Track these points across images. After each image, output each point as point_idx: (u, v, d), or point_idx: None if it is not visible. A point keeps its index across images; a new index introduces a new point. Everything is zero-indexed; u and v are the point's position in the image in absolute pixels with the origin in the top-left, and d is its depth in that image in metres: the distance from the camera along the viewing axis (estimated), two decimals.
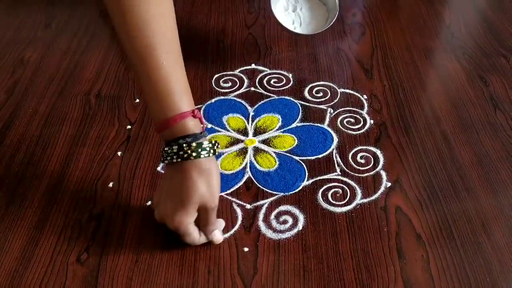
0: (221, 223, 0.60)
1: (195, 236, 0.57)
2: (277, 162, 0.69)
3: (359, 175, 0.67)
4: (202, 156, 0.53)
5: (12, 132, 0.75)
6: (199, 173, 0.54)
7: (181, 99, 0.54)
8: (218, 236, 0.59)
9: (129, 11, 0.52)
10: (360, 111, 0.77)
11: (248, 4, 1.03)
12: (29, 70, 0.87)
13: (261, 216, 0.62)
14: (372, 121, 0.75)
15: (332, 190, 0.65)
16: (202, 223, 0.57)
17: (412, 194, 0.64)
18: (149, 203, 0.64)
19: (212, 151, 0.55)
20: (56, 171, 0.68)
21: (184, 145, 0.53)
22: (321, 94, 0.80)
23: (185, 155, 0.53)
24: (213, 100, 0.79)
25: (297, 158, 0.69)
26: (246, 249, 0.58)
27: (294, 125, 0.75)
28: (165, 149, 0.55)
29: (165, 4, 0.55)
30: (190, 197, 0.53)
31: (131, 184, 0.66)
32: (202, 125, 0.56)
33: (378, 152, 0.70)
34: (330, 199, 0.64)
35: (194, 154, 0.53)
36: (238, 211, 0.63)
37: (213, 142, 0.55)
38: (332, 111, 0.77)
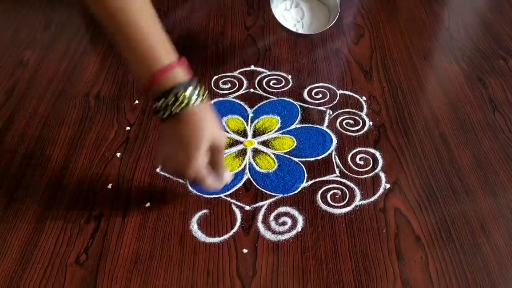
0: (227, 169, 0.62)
1: (212, 179, 0.58)
2: (276, 164, 0.69)
3: (358, 176, 0.67)
4: (199, 100, 0.54)
5: (11, 133, 0.74)
6: (202, 116, 0.54)
7: (164, 51, 0.54)
8: (228, 175, 0.61)
9: None
10: (359, 112, 0.77)
11: (248, 6, 1.03)
12: (28, 71, 0.87)
13: (260, 217, 0.62)
14: (371, 123, 0.75)
15: (331, 192, 0.65)
16: (214, 164, 0.57)
17: (411, 195, 0.64)
18: (148, 204, 0.64)
19: (204, 94, 0.55)
20: (55, 172, 0.68)
21: (179, 93, 0.53)
22: (320, 95, 0.80)
23: (182, 104, 0.53)
24: (212, 102, 0.79)
25: (296, 159, 0.70)
26: (245, 251, 0.58)
27: (293, 126, 0.75)
28: (159, 103, 0.54)
29: None
30: (201, 140, 0.54)
31: (130, 186, 0.66)
32: (189, 71, 0.56)
33: (377, 154, 0.70)
34: (329, 200, 0.64)
35: (192, 100, 0.53)
36: (237, 212, 0.63)
37: (201, 84, 0.56)
38: (331, 112, 0.77)
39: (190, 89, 0.54)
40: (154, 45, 0.54)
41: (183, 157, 0.55)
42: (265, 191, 0.65)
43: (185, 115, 0.54)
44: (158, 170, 0.68)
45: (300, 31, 0.89)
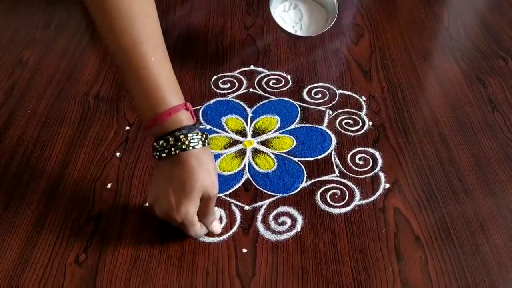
0: (218, 213, 0.61)
1: (199, 227, 0.57)
2: (276, 163, 0.69)
3: (358, 176, 0.67)
4: (199, 146, 0.54)
5: (11, 133, 0.74)
6: (199, 162, 0.54)
7: (172, 94, 0.55)
8: (217, 226, 0.59)
9: (113, 10, 0.53)
10: (359, 112, 0.77)
11: (247, 6, 1.03)
12: (27, 71, 0.87)
13: (259, 217, 0.62)
14: (370, 123, 0.75)
15: (331, 192, 0.65)
16: (202, 213, 0.57)
17: (411, 195, 0.64)
18: (147, 204, 0.64)
19: (206, 141, 0.55)
20: (55, 172, 0.68)
21: (181, 136, 0.53)
22: (319, 95, 0.80)
23: (183, 146, 0.53)
24: (211, 101, 0.79)
25: (295, 159, 0.70)
26: (244, 250, 0.58)
27: (292, 126, 0.75)
28: (160, 142, 0.54)
29: (148, 6, 0.56)
30: (194, 186, 0.53)
31: (130, 185, 0.66)
32: (193, 117, 0.57)
33: (377, 154, 0.70)
34: (329, 200, 0.64)
35: (191, 144, 0.54)
36: (237, 212, 0.63)
37: (204, 133, 0.56)
38: (330, 112, 0.77)
39: (192, 133, 0.54)
40: (162, 86, 0.54)
41: (174, 199, 0.54)
42: (265, 191, 0.65)
43: (183, 158, 0.54)
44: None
45: (299, 33, 0.89)
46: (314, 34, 0.88)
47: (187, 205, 0.54)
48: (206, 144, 0.55)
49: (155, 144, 0.55)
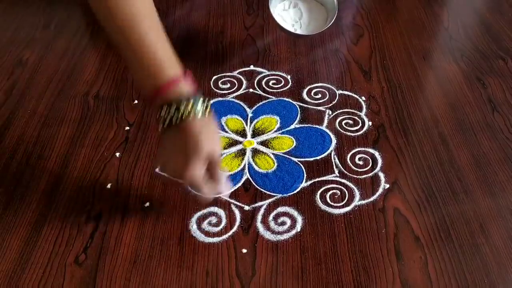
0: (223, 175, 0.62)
1: (208, 188, 0.58)
2: (276, 164, 0.69)
3: (357, 176, 0.67)
4: (201, 113, 0.55)
5: (11, 133, 0.74)
6: (201, 128, 0.55)
7: (171, 65, 0.56)
8: (225, 188, 0.62)
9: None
10: (359, 112, 0.77)
11: (247, 6, 1.03)
12: (27, 71, 0.87)
13: (259, 217, 0.62)
14: (370, 123, 0.75)
15: (331, 192, 0.65)
16: (210, 176, 0.58)
17: (410, 195, 0.64)
18: (147, 204, 0.64)
19: (207, 107, 0.56)
20: (54, 172, 0.68)
21: (182, 105, 0.54)
22: (319, 95, 0.80)
23: (186, 114, 0.54)
24: (211, 102, 0.79)
25: (295, 159, 0.70)
26: (244, 251, 0.58)
27: (292, 126, 0.75)
28: (162, 113, 0.55)
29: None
30: (199, 151, 0.55)
31: (129, 185, 0.66)
32: (194, 85, 0.57)
33: (377, 154, 0.70)
34: (329, 200, 0.64)
35: (192, 112, 0.55)
36: (237, 212, 0.63)
37: (206, 98, 0.57)
38: (330, 112, 0.77)
39: (193, 101, 0.55)
40: (161, 58, 0.55)
41: (182, 161, 0.56)
42: (264, 191, 0.65)
43: (186, 126, 0.55)
44: (157, 170, 0.68)
45: (298, 31, 0.89)
46: (313, 33, 0.88)
47: (193, 168, 0.55)
48: (207, 110, 0.56)
49: (159, 116, 0.56)
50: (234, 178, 0.67)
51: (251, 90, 0.82)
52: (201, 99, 0.56)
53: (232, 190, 0.66)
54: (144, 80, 0.56)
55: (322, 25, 0.89)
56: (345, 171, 0.68)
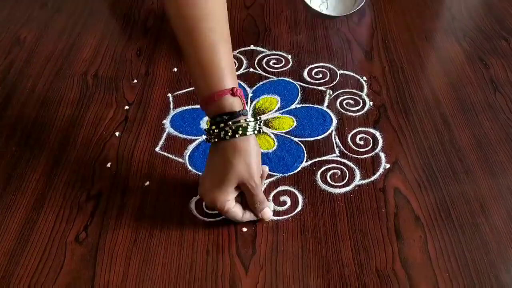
0: (271, 204, 0.60)
1: (236, 213, 0.57)
2: (276, 143, 0.69)
3: (358, 156, 0.67)
4: (238, 135, 0.53)
5: (9, 113, 0.74)
6: (236, 152, 0.53)
7: (223, 76, 0.53)
8: (268, 213, 0.58)
9: None
10: (360, 92, 0.76)
11: None
12: (25, 50, 0.86)
13: None
14: (371, 103, 0.75)
15: (331, 172, 0.65)
16: (249, 202, 0.57)
17: (411, 175, 0.64)
18: (147, 183, 0.64)
19: (250, 129, 0.54)
20: (54, 152, 0.68)
21: (221, 124, 0.53)
22: (320, 75, 0.80)
23: (222, 134, 0.53)
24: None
25: (296, 139, 0.69)
26: (244, 229, 0.58)
27: (293, 106, 0.74)
28: (210, 128, 0.54)
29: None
30: (226, 177, 0.53)
31: (129, 165, 0.66)
32: (242, 104, 0.55)
33: (377, 134, 0.70)
34: (329, 180, 0.64)
35: (229, 133, 0.53)
36: None
37: (256, 120, 0.55)
38: (331, 92, 0.77)
39: (233, 121, 0.53)
40: (224, 67, 0.54)
41: (208, 186, 0.56)
42: None
43: (221, 146, 0.54)
44: (157, 149, 0.68)
45: (325, 12, 0.88)
46: (341, 14, 0.87)
47: (217, 194, 0.54)
48: (249, 133, 0.54)
49: (208, 127, 0.55)
50: None
51: (251, 69, 0.81)
52: (247, 119, 0.54)
53: None
54: (197, 82, 0.55)
55: (349, 7, 0.88)
56: (345, 151, 0.67)
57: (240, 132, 0.53)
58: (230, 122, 0.53)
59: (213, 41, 0.53)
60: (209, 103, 0.54)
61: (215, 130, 0.54)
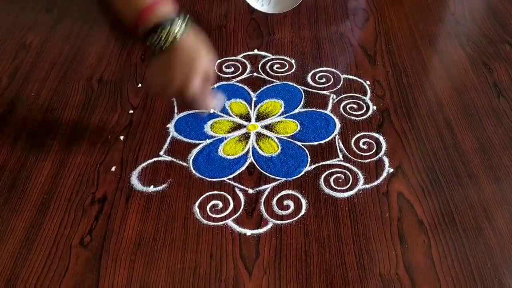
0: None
1: (206, 102, 0.61)
2: (280, 148, 0.69)
3: (362, 160, 0.67)
4: (186, 32, 0.57)
5: (14, 117, 0.74)
6: (193, 45, 0.58)
7: None
8: (218, 102, 0.64)
9: None
10: (363, 97, 0.77)
11: None
12: (31, 54, 0.86)
13: (263, 200, 0.62)
14: (375, 107, 0.75)
15: (334, 176, 0.65)
16: (204, 91, 0.60)
17: (414, 180, 0.64)
18: (151, 187, 0.64)
19: (188, 22, 0.57)
20: (58, 155, 0.68)
21: (166, 28, 0.56)
22: (324, 80, 0.80)
23: (173, 37, 0.56)
24: (215, 85, 0.79)
25: (299, 143, 0.69)
26: (248, 233, 0.59)
27: (296, 110, 0.75)
28: (149, 40, 0.56)
29: None
30: (198, 66, 0.58)
31: (134, 169, 0.66)
32: (174, 6, 0.58)
33: (381, 138, 0.70)
34: (332, 184, 0.64)
35: (180, 33, 0.56)
36: (241, 195, 0.63)
37: (186, 15, 0.58)
38: (335, 97, 0.77)
39: (177, 23, 0.56)
40: None
41: (183, 80, 0.57)
42: (268, 174, 0.65)
43: (178, 47, 0.57)
44: (161, 153, 0.68)
45: (265, 9, 0.88)
46: (283, 11, 0.87)
47: (195, 82, 0.57)
48: (188, 27, 0.57)
49: (147, 43, 0.57)
50: (238, 161, 0.67)
51: (255, 74, 0.81)
52: (182, 17, 0.57)
53: (236, 173, 0.66)
54: (125, 7, 0.57)
55: (293, 2, 0.88)
56: (349, 155, 0.68)
57: (189, 26, 0.57)
58: (176, 23, 0.56)
59: None
60: (146, 17, 0.56)
61: (163, 35, 0.56)
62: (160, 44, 0.56)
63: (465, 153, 0.68)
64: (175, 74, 0.58)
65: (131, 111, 0.75)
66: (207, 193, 0.63)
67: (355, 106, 0.75)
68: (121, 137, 0.71)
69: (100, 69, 0.83)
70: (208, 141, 0.70)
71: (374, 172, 0.65)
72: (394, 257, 0.56)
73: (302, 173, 0.65)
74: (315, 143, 0.69)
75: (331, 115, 0.74)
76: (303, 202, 0.62)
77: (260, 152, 0.68)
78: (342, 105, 0.75)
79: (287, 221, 0.60)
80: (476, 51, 0.86)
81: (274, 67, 0.83)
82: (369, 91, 0.78)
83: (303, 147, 0.69)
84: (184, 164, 0.67)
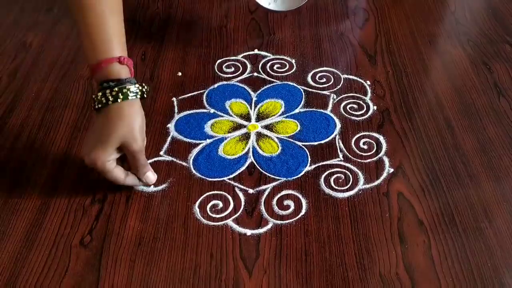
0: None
1: (117, 174, 0.59)
2: (280, 147, 0.69)
3: (362, 160, 0.67)
4: (119, 99, 0.56)
5: (15, 116, 0.74)
6: (120, 115, 0.56)
7: (111, 45, 0.56)
8: (151, 177, 0.62)
9: None
10: (363, 97, 0.77)
11: None
12: (31, 54, 0.86)
13: (263, 200, 0.62)
14: (375, 107, 0.75)
15: (335, 176, 0.65)
16: (132, 166, 0.60)
17: (415, 180, 0.64)
18: (151, 187, 0.64)
19: (132, 94, 0.56)
20: (59, 155, 0.68)
21: (107, 90, 0.56)
22: (324, 80, 0.80)
23: (104, 100, 0.56)
24: (215, 85, 0.79)
25: (299, 143, 0.69)
26: (248, 233, 0.59)
27: (297, 110, 0.75)
28: (96, 95, 0.57)
29: None
30: (109, 137, 0.56)
31: None
32: (130, 72, 0.58)
33: (381, 138, 0.70)
34: (333, 184, 0.64)
35: (111, 98, 0.55)
36: (241, 195, 0.63)
37: (140, 85, 0.58)
38: (335, 97, 0.77)
39: (118, 88, 0.55)
40: (112, 36, 0.57)
41: (89, 146, 0.57)
42: (269, 174, 0.65)
43: (105, 112, 0.56)
44: (161, 153, 0.68)
45: (273, 7, 0.88)
46: (289, 9, 0.87)
47: (96, 152, 0.56)
48: (133, 97, 0.56)
49: (94, 96, 0.57)
50: (238, 161, 0.67)
51: (255, 74, 0.81)
52: (137, 85, 0.57)
53: (236, 173, 0.66)
54: (86, 50, 0.57)
55: (299, 0, 0.88)
56: (349, 155, 0.68)
57: (121, 96, 0.55)
58: (116, 88, 0.55)
59: (101, 11, 0.56)
60: (97, 70, 0.56)
61: (100, 97, 0.56)
62: (95, 102, 0.57)
63: (465, 153, 0.68)
64: (92, 137, 0.57)
65: None
66: (207, 193, 0.63)
67: (355, 106, 0.75)
68: None
69: None
70: (208, 141, 0.70)
71: (374, 172, 0.65)
72: (394, 257, 0.56)
73: (302, 173, 0.65)
74: (315, 143, 0.69)
75: (332, 115, 0.74)
76: (303, 202, 0.62)
77: (260, 152, 0.68)
78: (342, 105, 0.75)
79: (287, 221, 0.60)
80: (477, 51, 0.86)
81: (275, 67, 0.83)
82: (369, 91, 0.78)
83: (303, 147, 0.69)
84: (184, 164, 0.67)
